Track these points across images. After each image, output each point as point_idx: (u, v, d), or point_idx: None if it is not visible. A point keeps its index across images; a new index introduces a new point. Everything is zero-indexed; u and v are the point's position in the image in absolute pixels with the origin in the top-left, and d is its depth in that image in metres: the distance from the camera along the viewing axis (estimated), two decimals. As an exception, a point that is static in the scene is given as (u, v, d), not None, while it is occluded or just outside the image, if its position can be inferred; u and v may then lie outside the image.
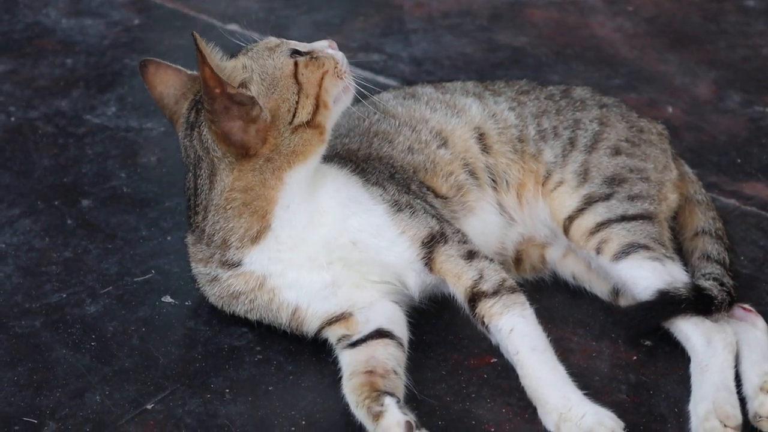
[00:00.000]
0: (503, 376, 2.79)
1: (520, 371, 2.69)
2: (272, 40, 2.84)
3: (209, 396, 2.76)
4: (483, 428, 2.67)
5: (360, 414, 2.63)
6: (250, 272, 2.82)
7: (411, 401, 2.69)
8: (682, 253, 3.04)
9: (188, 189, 2.85)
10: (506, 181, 3.07)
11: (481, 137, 3.09)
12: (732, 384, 2.70)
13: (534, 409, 2.67)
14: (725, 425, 2.60)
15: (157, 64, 2.87)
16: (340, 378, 2.72)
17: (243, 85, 2.70)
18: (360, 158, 2.98)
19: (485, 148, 3.08)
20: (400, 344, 2.79)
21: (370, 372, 2.69)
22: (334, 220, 2.81)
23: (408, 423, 2.54)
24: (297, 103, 2.74)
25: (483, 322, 2.74)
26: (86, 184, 3.52)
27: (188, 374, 2.82)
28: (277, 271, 2.81)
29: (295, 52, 2.78)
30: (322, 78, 2.77)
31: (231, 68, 2.71)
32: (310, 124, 2.75)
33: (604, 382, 2.76)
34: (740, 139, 3.83)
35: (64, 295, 3.07)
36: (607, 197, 2.99)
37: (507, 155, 3.07)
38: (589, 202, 2.99)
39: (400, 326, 2.84)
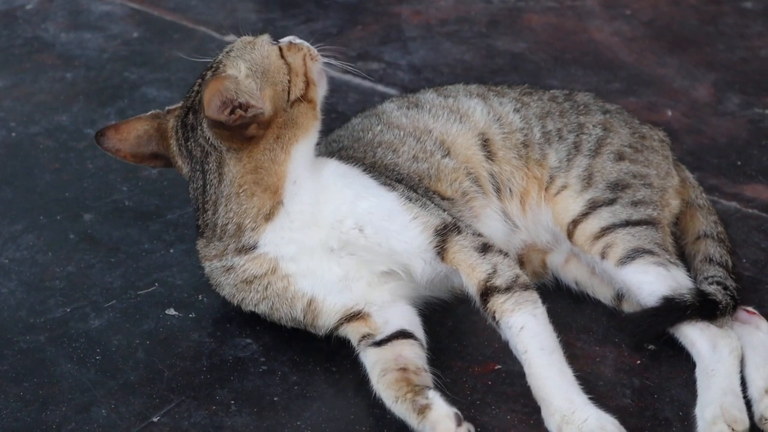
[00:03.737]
0: (507, 383, 2.79)
1: (527, 370, 2.69)
2: (246, 38, 2.91)
3: (215, 408, 2.76)
4: (488, 435, 2.69)
5: (401, 408, 2.64)
6: (264, 254, 2.83)
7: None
8: (684, 257, 3.05)
9: (196, 189, 2.87)
10: (510, 189, 3.07)
11: (486, 143, 3.09)
12: (738, 389, 2.70)
13: (539, 416, 2.67)
14: (733, 429, 2.60)
15: (112, 127, 2.92)
16: (365, 377, 2.75)
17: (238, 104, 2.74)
18: (366, 165, 2.99)
19: (490, 155, 3.08)
20: (422, 345, 2.81)
21: (403, 369, 2.71)
22: (339, 198, 2.84)
23: (457, 415, 2.56)
24: (289, 81, 2.83)
25: (494, 317, 2.74)
26: (88, 198, 3.53)
27: (193, 386, 2.82)
28: (290, 254, 2.82)
29: (272, 41, 2.91)
30: (304, 59, 2.88)
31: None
32: (305, 98, 2.85)
33: (609, 387, 2.76)
34: (740, 141, 3.83)
35: (68, 310, 3.08)
36: (611, 202, 2.99)
37: (512, 162, 3.08)
38: (593, 206, 3.00)
39: (419, 329, 2.86)
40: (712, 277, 2.93)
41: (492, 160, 3.08)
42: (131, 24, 4.67)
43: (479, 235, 2.87)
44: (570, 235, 3.00)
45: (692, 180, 3.23)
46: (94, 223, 3.42)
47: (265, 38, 2.91)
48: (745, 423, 2.62)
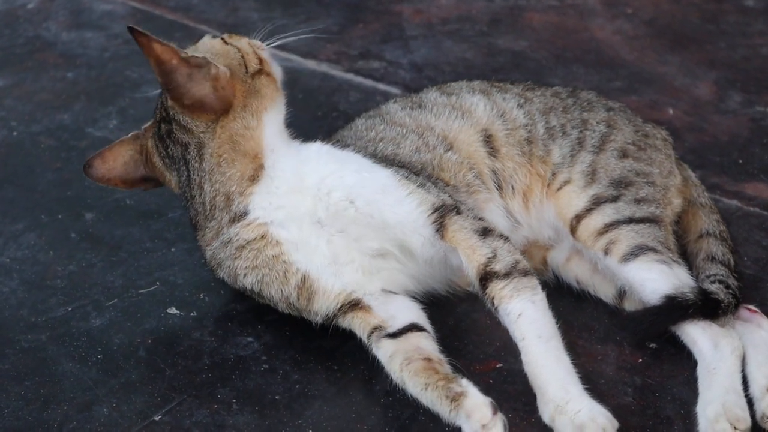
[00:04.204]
0: (509, 381, 2.79)
1: (524, 358, 2.69)
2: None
3: (216, 406, 2.76)
4: (490, 434, 2.68)
5: (431, 395, 2.64)
6: (255, 219, 2.86)
7: (416, 407, 2.69)
8: (686, 255, 3.05)
9: (182, 182, 2.94)
10: (512, 186, 3.07)
11: (489, 139, 3.09)
12: (740, 388, 2.70)
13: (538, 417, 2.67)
14: (735, 428, 2.60)
15: (98, 157, 3.00)
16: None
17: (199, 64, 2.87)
18: (367, 155, 3.00)
19: (492, 152, 3.08)
20: (434, 339, 2.82)
21: (428, 359, 2.72)
22: (323, 170, 2.87)
23: (493, 404, 2.56)
24: (242, 58, 2.95)
25: (493, 303, 2.74)
26: (89, 197, 3.53)
27: (195, 385, 2.83)
28: (279, 219, 2.86)
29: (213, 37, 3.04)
30: (249, 43, 3.01)
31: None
32: (262, 72, 2.96)
33: (610, 385, 2.76)
34: (742, 140, 3.83)
35: (70, 309, 3.08)
36: (615, 199, 2.99)
37: (515, 158, 3.07)
38: (597, 202, 2.99)
39: (428, 323, 2.87)
40: (714, 275, 2.93)
41: (495, 156, 3.08)
42: (132, 23, 4.61)
43: (480, 219, 2.87)
44: (573, 230, 3.00)
45: (694, 179, 3.23)
46: (95, 222, 3.42)
47: (206, 37, 3.04)
48: (747, 422, 2.62)
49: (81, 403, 2.78)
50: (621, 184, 3.02)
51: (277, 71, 3.01)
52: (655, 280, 2.86)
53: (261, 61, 2.97)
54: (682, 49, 4.43)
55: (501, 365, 2.84)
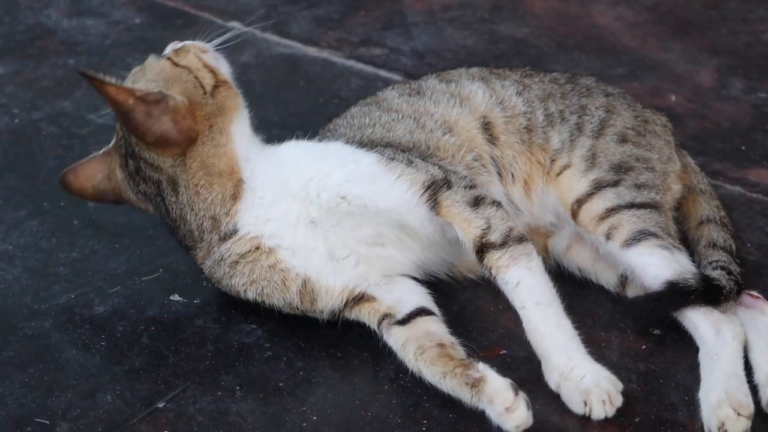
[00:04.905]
0: (513, 368, 2.79)
1: (525, 326, 2.71)
2: (134, 69, 2.97)
3: (220, 393, 2.76)
4: (494, 420, 2.68)
5: (450, 384, 2.65)
6: (246, 234, 2.84)
7: (420, 393, 2.69)
8: (687, 243, 3.04)
9: (163, 216, 2.92)
10: (512, 174, 3.06)
11: (487, 127, 3.08)
12: (742, 374, 2.70)
13: (544, 401, 2.67)
14: (739, 414, 2.60)
15: (72, 170, 2.98)
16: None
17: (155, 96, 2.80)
18: (349, 141, 2.99)
19: (491, 139, 3.07)
20: (443, 322, 2.83)
21: (440, 345, 2.72)
22: (305, 173, 2.84)
23: (513, 385, 2.59)
24: (196, 78, 2.87)
25: (491, 272, 2.75)
26: (92, 184, 3.52)
27: (198, 372, 2.83)
28: (270, 231, 2.83)
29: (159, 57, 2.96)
30: (196, 56, 2.92)
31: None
32: (219, 84, 2.88)
33: (614, 372, 2.75)
34: (744, 126, 3.83)
35: (73, 296, 3.08)
36: (616, 184, 2.98)
37: (514, 146, 3.06)
38: (598, 186, 2.99)
39: (434, 305, 2.88)
40: (716, 261, 2.93)
41: (494, 144, 3.07)
42: (133, 10, 4.66)
43: (472, 187, 2.85)
44: (574, 215, 2.99)
45: (693, 165, 3.23)
46: (97, 209, 3.41)
47: (151, 58, 2.96)
48: (751, 408, 2.62)
49: (85, 390, 2.78)
50: (621, 169, 3.01)
51: (227, 71, 2.96)
52: (657, 265, 2.86)
53: (213, 72, 2.91)
54: (684, 36, 4.43)
55: (505, 352, 2.84)
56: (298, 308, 2.88)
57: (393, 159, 2.86)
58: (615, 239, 2.91)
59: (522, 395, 2.57)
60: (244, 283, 2.87)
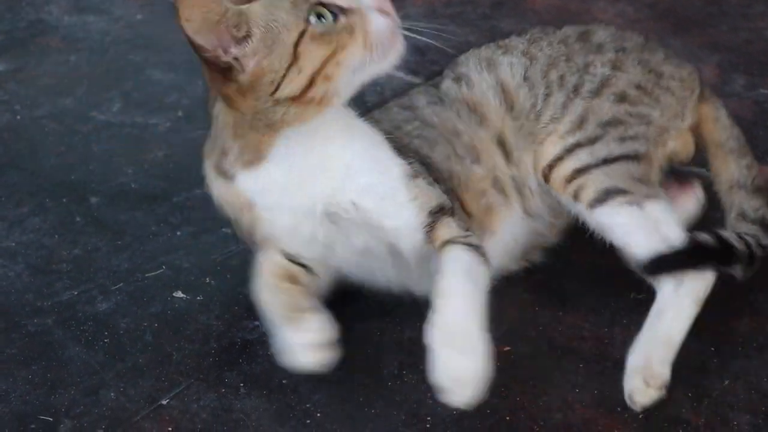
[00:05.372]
0: (517, 365, 2.79)
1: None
2: None
3: (224, 390, 2.76)
4: (497, 417, 2.68)
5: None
6: (243, 191, 2.71)
7: (424, 390, 2.70)
8: (718, 204, 3.01)
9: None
10: (530, 188, 2.96)
11: (502, 143, 2.96)
12: (677, 338, 2.67)
13: (548, 398, 2.68)
14: (648, 384, 2.58)
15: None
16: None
17: (246, 36, 2.47)
18: (397, 144, 2.84)
19: (507, 155, 2.95)
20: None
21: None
22: (339, 172, 2.68)
23: None
24: (284, 76, 2.47)
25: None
26: (94, 182, 3.53)
27: (202, 369, 2.83)
28: (268, 204, 2.71)
29: (318, 15, 2.49)
30: (332, 55, 2.50)
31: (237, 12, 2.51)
32: (299, 99, 2.50)
33: (618, 369, 2.76)
34: (746, 122, 3.81)
35: (76, 293, 3.08)
36: (594, 140, 2.87)
37: (523, 158, 2.95)
38: (572, 149, 2.88)
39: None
40: (745, 234, 2.85)
41: (509, 160, 2.96)
42: (135, 6, 4.66)
43: (468, 232, 2.74)
44: (546, 179, 2.91)
45: (725, 120, 3.10)
46: (100, 206, 3.41)
47: (312, 2, 2.48)
48: (662, 378, 2.59)
49: (88, 387, 2.78)
50: (609, 125, 2.90)
51: (356, 78, 2.67)
52: (623, 224, 2.79)
53: (311, 85, 2.54)
54: (684, 32, 4.43)
55: (509, 348, 2.84)
56: (240, 231, 2.82)
57: (417, 176, 2.74)
58: (582, 200, 2.84)
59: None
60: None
